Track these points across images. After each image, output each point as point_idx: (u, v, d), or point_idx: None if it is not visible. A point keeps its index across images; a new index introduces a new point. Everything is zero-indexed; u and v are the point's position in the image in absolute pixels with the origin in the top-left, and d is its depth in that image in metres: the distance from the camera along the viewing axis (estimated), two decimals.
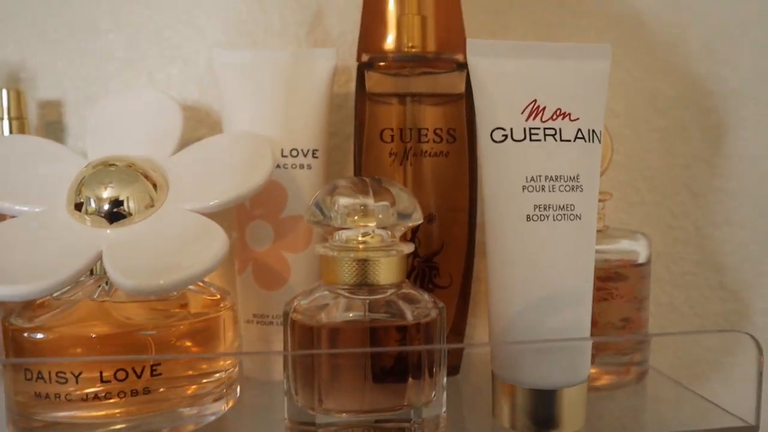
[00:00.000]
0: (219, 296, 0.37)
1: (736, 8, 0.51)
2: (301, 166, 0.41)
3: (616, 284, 0.41)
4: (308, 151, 0.42)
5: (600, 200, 0.42)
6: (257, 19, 0.48)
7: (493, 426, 0.36)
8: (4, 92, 0.43)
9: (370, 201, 0.32)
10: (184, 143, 0.46)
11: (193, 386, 0.34)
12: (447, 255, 0.41)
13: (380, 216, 0.32)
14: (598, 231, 0.42)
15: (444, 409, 0.34)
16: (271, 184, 0.41)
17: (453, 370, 0.42)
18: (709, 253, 0.52)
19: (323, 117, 0.42)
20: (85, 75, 0.48)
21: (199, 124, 0.48)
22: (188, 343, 0.35)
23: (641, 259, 0.42)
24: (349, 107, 0.48)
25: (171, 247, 0.33)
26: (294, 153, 0.41)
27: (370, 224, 0.32)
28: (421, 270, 0.41)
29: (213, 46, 0.47)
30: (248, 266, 0.42)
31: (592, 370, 0.40)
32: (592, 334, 0.41)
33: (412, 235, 0.40)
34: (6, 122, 0.43)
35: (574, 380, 0.34)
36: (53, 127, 0.48)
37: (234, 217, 0.43)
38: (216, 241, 0.33)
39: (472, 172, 0.40)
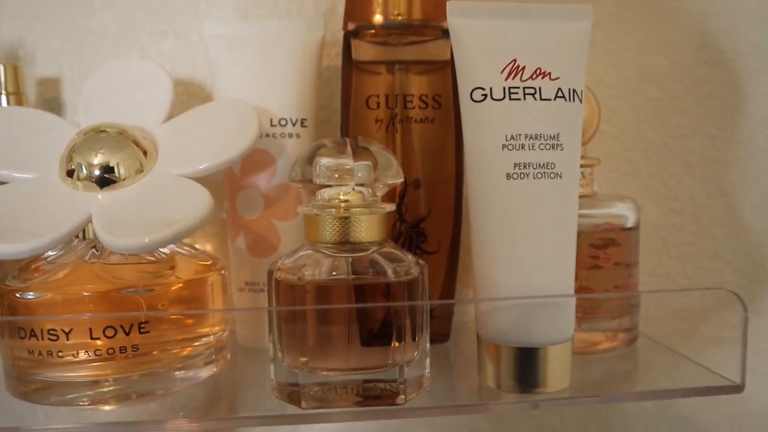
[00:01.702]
0: (210, 261, 0.38)
1: None
2: (290, 135, 0.42)
3: (605, 250, 0.41)
4: (297, 120, 0.42)
5: (588, 165, 0.42)
6: None
7: (479, 387, 0.36)
8: (1, 67, 0.44)
9: (349, 160, 0.33)
10: (176, 116, 0.47)
11: (181, 348, 0.35)
12: (434, 221, 0.41)
13: (360, 174, 0.32)
14: (586, 196, 0.42)
15: (428, 370, 0.35)
16: (260, 153, 0.42)
17: (442, 337, 0.43)
18: (705, 224, 0.52)
19: (311, 87, 0.43)
20: (82, 52, 0.49)
21: (192, 98, 0.49)
22: (177, 307, 0.35)
23: (630, 223, 0.42)
24: (338, 80, 0.48)
25: (158, 208, 0.34)
26: (283, 122, 0.42)
27: (351, 183, 0.33)
28: (409, 236, 0.41)
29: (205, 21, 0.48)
30: (239, 235, 0.43)
31: (579, 335, 0.41)
32: (581, 301, 0.41)
33: (399, 200, 0.41)
34: (3, 97, 0.44)
35: (557, 338, 0.34)
36: (51, 104, 0.49)
37: (225, 186, 0.43)
38: (200, 201, 0.33)
39: (459, 138, 0.41)
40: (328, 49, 0.48)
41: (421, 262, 0.34)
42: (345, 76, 0.41)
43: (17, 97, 0.44)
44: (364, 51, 0.41)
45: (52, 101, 0.49)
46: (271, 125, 0.42)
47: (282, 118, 0.42)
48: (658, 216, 0.52)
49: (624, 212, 0.42)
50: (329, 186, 0.33)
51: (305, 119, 0.42)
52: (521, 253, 0.34)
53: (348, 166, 0.32)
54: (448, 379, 0.39)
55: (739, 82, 0.52)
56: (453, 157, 0.41)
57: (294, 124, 0.42)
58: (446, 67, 0.40)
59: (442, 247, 0.41)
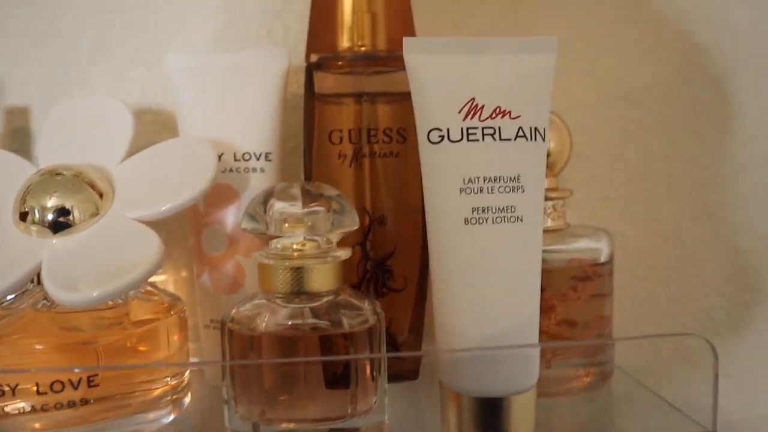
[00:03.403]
0: (166, 303, 0.37)
1: None
2: (254, 170, 0.41)
3: (576, 284, 0.40)
4: (261, 154, 0.41)
5: (559, 198, 0.41)
6: (219, 20, 0.48)
7: None
8: None
9: (301, 208, 0.32)
10: (147, 147, 0.46)
11: (136, 395, 0.34)
12: (401, 257, 0.40)
13: (310, 224, 0.32)
14: (557, 230, 0.41)
15: (386, 416, 0.34)
16: (223, 188, 0.41)
17: (411, 374, 0.42)
18: (689, 248, 0.51)
19: (276, 119, 0.42)
20: (50, 80, 0.48)
21: (163, 127, 0.48)
22: (132, 353, 0.35)
23: (603, 258, 0.41)
24: None
25: (109, 257, 0.33)
26: (246, 157, 0.41)
27: (302, 231, 0.32)
28: (374, 274, 0.40)
29: (176, 48, 0.47)
30: (204, 271, 0.42)
31: (550, 373, 0.39)
32: (553, 338, 0.40)
33: (364, 237, 0.40)
34: None
35: (521, 387, 0.33)
36: (20, 133, 0.48)
37: (190, 222, 0.43)
38: (150, 250, 0.33)
39: None
40: (297, 75, 0.47)
41: (378, 310, 0.33)
42: (307, 109, 0.40)
43: None
44: (327, 84, 0.40)
45: (20, 131, 0.48)
46: (235, 160, 0.41)
47: (246, 153, 0.41)
48: (640, 240, 0.51)
49: (596, 246, 0.40)
50: (282, 236, 0.32)
51: (270, 153, 0.41)
52: (482, 301, 0.33)
53: (299, 216, 0.31)
54: (416, 420, 0.38)
55: (724, 99, 0.50)
56: (419, 193, 0.39)
57: (258, 159, 0.41)
58: (410, 99, 0.39)
59: (409, 284, 0.40)
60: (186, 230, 0.46)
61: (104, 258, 0.33)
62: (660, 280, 0.51)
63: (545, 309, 0.40)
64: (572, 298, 0.40)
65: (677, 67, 0.50)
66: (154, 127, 0.48)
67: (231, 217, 0.41)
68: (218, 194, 0.41)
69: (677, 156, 0.50)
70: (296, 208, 0.31)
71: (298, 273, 0.32)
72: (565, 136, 0.41)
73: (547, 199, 0.40)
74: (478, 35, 0.48)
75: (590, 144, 0.50)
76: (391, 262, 0.40)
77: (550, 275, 0.38)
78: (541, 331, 0.35)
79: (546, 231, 0.39)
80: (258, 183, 0.41)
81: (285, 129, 0.44)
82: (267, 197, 0.32)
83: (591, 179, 0.50)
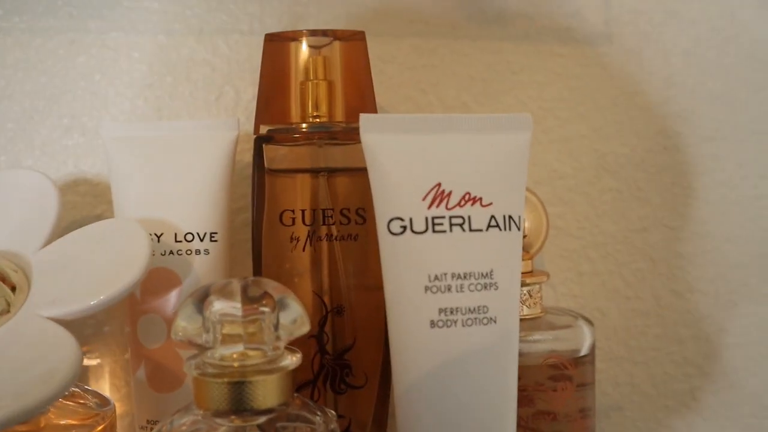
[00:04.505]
0: (91, 417, 0.32)
1: (690, 60, 0.47)
2: (198, 252, 0.37)
3: (555, 385, 0.36)
4: (205, 234, 0.37)
5: (535, 282, 0.38)
6: (164, 83, 0.44)
7: None
8: None
9: (240, 311, 0.27)
10: (81, 221, 0.41)
11: None
12: (361, 350, 0.36)
13: (252, 331, 0.27)
14: (534, 318, 0.37)
15: None
16: (163, 272, 0.36)
17: None
18: (671, 325, 0.48)
19: (223, 195, 0.38)
20: None
21: (98, 200, 0.43)
22: None
23: (584, 350, 0.37)
24: None
25: (16, 369, 0.28)
26: (189, 237, 0.37)
27: (241, 342, 0.27)
28: (332, 369, 0.36)
29: (115, 114, 0.43)
30: (141, 365, 0.37)
31: None
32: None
33: (320, 328, 0.36)
34: None
35: None
36: None
37: (126, 308, 0.38)
38: (64, 362, 0.28)
39: None
40: (249, 142, 0.43)
41: (331, 422, 0.29)
42: (256, 186, 0.36)
43: None
44: (278, 158, 0.36)
45: None
46: (176, 241, 0.37)
47: (188, 233, 0.37)
48: (619, 319, 0.47)
49: (577, 338, 0.37)
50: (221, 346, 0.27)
51: (215, 233, 0.37)
52: (450, 415, 0.29)
53: (239, 323, 0.27)
54: None
55: (703, 168, 0.48)
56: (381, 279, 0.36)
57: (202, 239, 0.37)
58: None
59: (370, 380, 0.36)
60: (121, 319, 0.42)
61: (13, 372, 0.28)
62: (641, 360, 0.48)
63: (521, 400, 0.36)
64: (555, 389, 0.37)
65: (655, 135, 0.47)
66: (88, 198, 0.43)
67: (171, 305, 0.36)
68: (157, 279, 0.36)
69: (656, 228, 0.47)
70: (236, 312, 0.27)
71: (240, 388, 0.27)
72: (541, 215, 0.38)
73: (522, 285, 0.36)
74: (446, 106, 0.45)
75: (565, 216, 0.46)
76: (349, 355, 0.36)
77: (525, 370, 0.35)
78: (518, 425, 0.31)
79: (520, 320, 0.36)
80: (202, 266, 0.37)
81: (234, 201, 0.40)
82: (201, 299, 0.28)
83: (566, 253, 0.47)
